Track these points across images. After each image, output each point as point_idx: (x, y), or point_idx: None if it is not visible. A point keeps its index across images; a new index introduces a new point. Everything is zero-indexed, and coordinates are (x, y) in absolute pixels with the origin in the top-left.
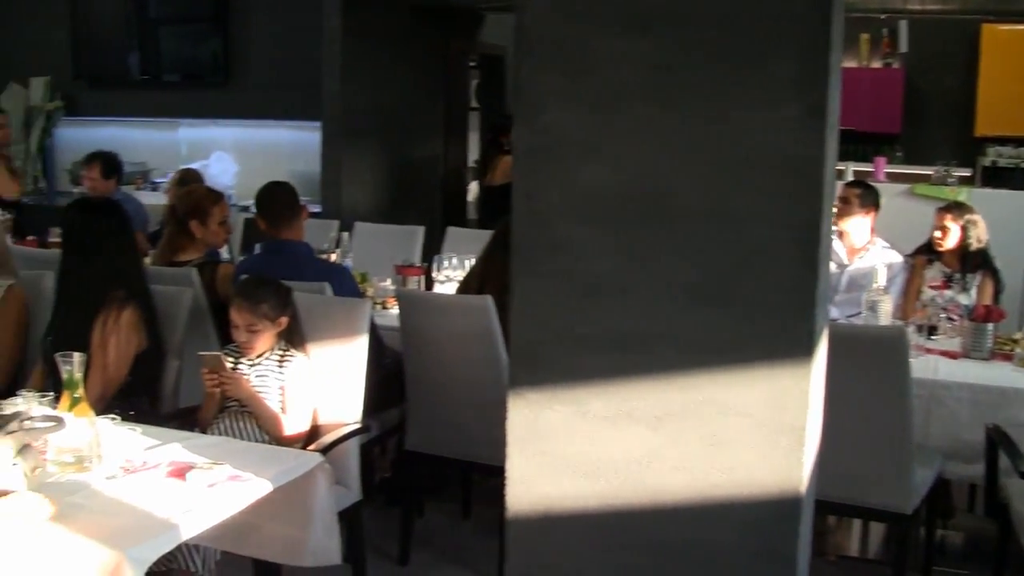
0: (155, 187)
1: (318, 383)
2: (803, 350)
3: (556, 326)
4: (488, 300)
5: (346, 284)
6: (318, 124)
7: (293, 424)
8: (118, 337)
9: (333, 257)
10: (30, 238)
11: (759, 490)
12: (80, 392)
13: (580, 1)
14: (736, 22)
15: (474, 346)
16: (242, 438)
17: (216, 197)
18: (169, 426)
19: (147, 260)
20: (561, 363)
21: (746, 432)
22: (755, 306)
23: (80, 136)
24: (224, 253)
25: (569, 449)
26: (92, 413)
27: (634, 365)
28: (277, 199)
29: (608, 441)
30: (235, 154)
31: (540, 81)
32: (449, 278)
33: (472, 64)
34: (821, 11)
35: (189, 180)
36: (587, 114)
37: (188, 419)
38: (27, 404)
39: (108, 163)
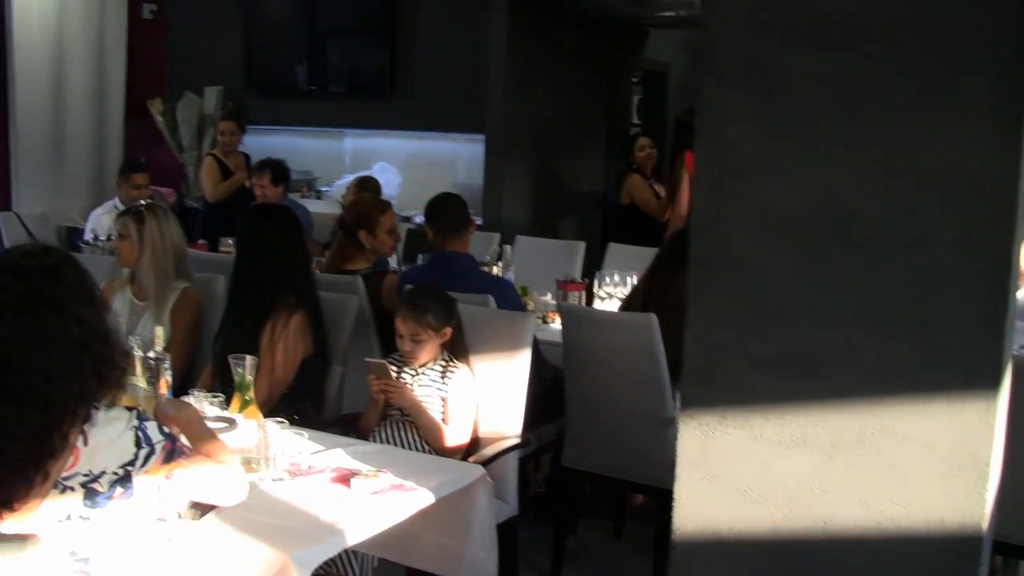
0: (319, 195)
1: (480, 395)
2: (989, 381)
3: (731, 346)
4: (652, 318)
5: (509, 297)
6: (481, 137)
7: (454, 435)
8: (286, 342)
9: (495, 270)
10: (200, 242)
11: (938, 526)
12: (251, 395)
13: (766, 17)
14: (928, 37)
15: (636, 364)
16: (403, 447)
17: (383, 206)
18: (331, 432)
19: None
20: (735, 384)
21: (926, 464)
22: (941, 334)
23: (249, 144)
24: (392, 263)
25: (740, 473)
26: (261, 416)
27: (810, 389)
28: (448, 210)
29: (780, 466)
30: (398, 165)
31: (723, 97)
32: (610, 295)
33: (635, 80)
34: (1021, 25)
35: (367, 187)
36: (771, 131)
37: (350, 426)
38: (199, 404)
39: (277, 170)
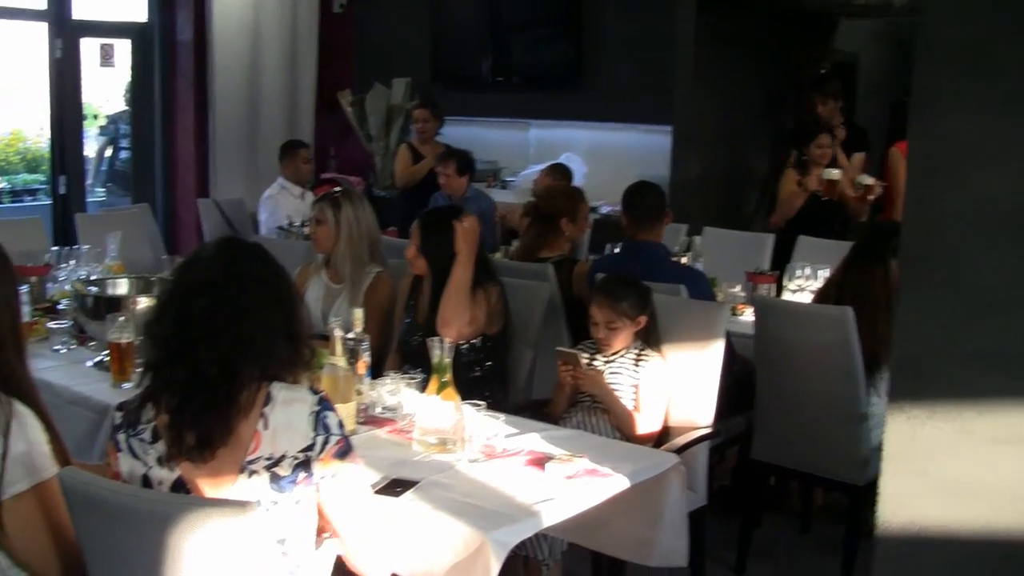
0: (504, 185)
1: (672, 384)
2: None
3: (943, 339)
4: (848, 311)
5: (701, 287)
6: (667, 128)
7: (646, 423)
8: (488, 305)
9: (684, 260)
10: (391, 229)
11: None
12: (448, 376)
13: (988, 3)
14: None
15: (830, 357)
16: (594, 433)
17: (580, 194)
18: (522, 416)
19: (497, 255)
20: (946, 378)
21: None
22: None
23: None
24: (582, 251)
25: (949, 469)
26: (458, 398)
27: None
28: (645, 200)
29: (992, 465)
30: (584, 156)
31: (939, 85)
32: (801, 287)
33: (823, 71)
34: None
35: (561, 174)
36: (990, 120)
37: (538, 411)
38: (395, 385)
39: (462, 161)
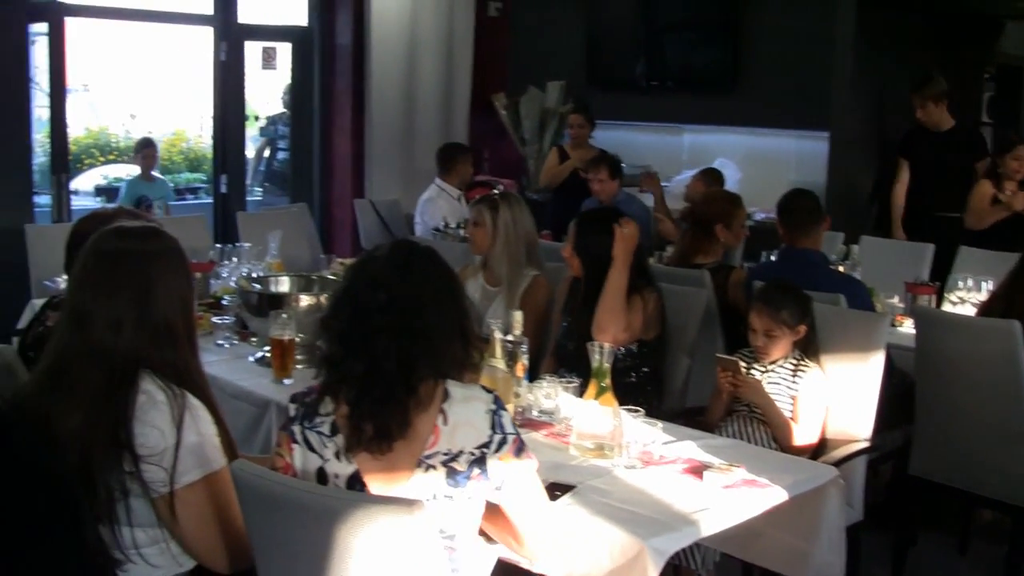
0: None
1: (830, 396)
2: None
3: None
4: (1015, 324)
5: (861, 297)
6: (823, 134)
7: (803, 434)
8: (645, 313)
9: (841, 269)
10: (545, 232)
11: None
12: (607, 381)
13: None
14: None
15: (995, 372)
16: (750, 442)
17: (738, 200)
18: (676, 423)
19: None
20: None
21: None
22: None
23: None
24: (736, 258)
25: None
26: (616, 403)
27: None
28: (801, 206)
29: None
30: (737, 161)
31: None
32: (963, 299)
33: (987, 76)
34: None
35: (713, 179)
36: None
37: (692, 419)
38: (552, 389)
39: (613, 165)
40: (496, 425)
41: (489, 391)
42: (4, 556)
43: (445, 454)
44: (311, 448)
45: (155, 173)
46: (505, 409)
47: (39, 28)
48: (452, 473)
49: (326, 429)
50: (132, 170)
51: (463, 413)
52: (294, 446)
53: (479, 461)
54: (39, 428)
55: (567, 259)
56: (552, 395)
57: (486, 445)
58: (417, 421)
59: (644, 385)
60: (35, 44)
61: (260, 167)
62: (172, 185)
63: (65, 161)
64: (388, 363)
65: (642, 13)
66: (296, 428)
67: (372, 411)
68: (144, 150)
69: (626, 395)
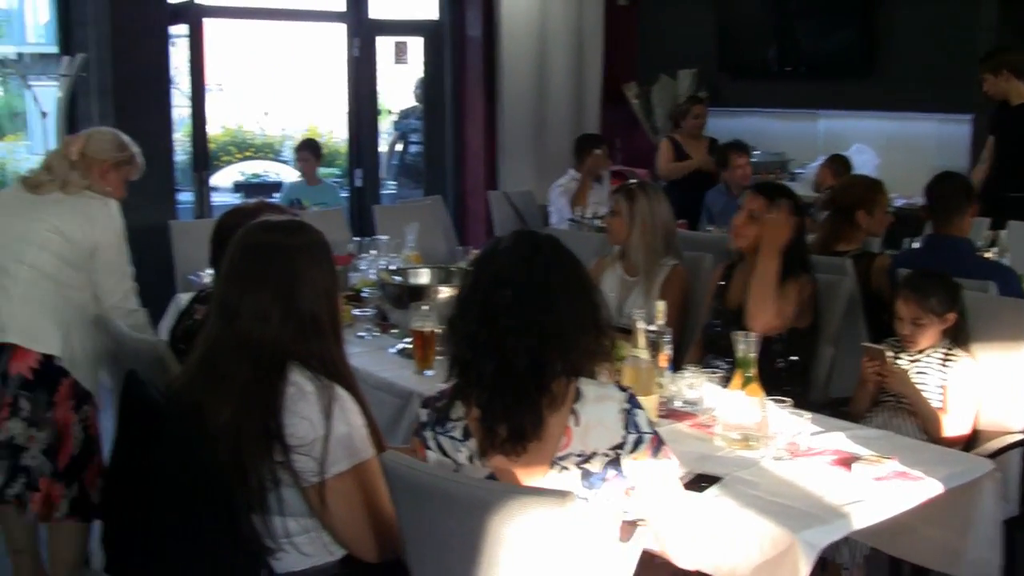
0: (793, 177)
1: (982, 385)
2: None
3: None
4: None
5: (1012, 285)
6: (966, 116)
7: (954, 426)
8: (801, 302)
9: (988, 255)
10: (680, 221)
11: None
12: (753, 371)
13: None
14: None
15: None
16: (898, 433)
17: (879, 186)
18: (821, 414)
19: None
20: None
21: None
22: None
23: (722, 125)
24: (875, 245)
25: None
26: (763, 393)
27: None
28: (948, 191)
29: None
30: (876, 146)
31: None
32: None
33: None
34: None
35: (840, 167)
36: None
37: (837, 409)
38: (695, 379)
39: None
40: (630, 424)
41: (624, 389)
42: (162, 544)
43: (579, 455)
44: (444, 453)
45: (320, 177)
46: (641, 407)
47: (177, 30)
48: (587, 475)
49: (458, 433)
50: (267, 166)
51: (595, 413)
52: (427, 452)
53: (614, 462)
54: (193, 420)
55: (739, 229)
56: (696, 385)
57: (620, 446)
58: (550, 420)
59: (790, 373)
60: (174, 46)
61: (393, 161)
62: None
63: (205, 158)
64: (519, 362)
65: None
66: (428, 434)
67: (505, 412)
68: (300, 153)
69: (772, 381)
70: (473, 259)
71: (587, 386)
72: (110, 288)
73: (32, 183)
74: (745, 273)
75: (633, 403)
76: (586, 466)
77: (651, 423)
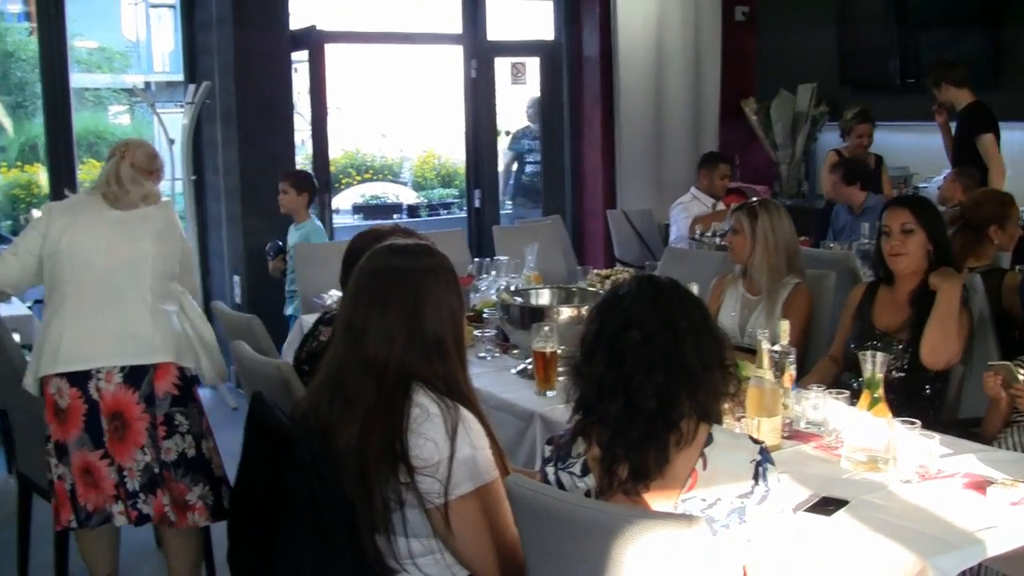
0: (916, 191)
1: None
2: None
3: None
4: None
5: None
6: None
7: None
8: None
9: None
10: (803, 238)
11: None
12: (880, 392)
13: None
14: None
15: None
16: None
17: (1010, 199)
18: (951, 435)
19: None
20: None
21: None
22: None
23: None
24: (1004, 260)
25: None
26: (890, 414)
27: None
28: None
29: None
30: (1006, 158)
31: None
32: None
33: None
34: None
35: (969, 180)
36: None
37: (966, 430)
38: (820, 399)
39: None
40: (760, 476)
41: (757, 442)
42: (286, 565)
43: (703, 500)
44: (563, 488)
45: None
46: (773, 463)
47: (299, 56)
48: (710, 521)
49: (577, 469)
50: (386, 188)
51: (724, 460)
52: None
53: (739, 511)
54: (319, 440)
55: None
56: (820, 406)
57: (747, 495)
58: (676, 460)
59: (926, 396)
60: (295, 71)
61: (509, 181)
62: (426, 201)
63: (327, 181)
64: (647, 401)
65: (894, 9)
66: (549, 469)
67: (628, 451)
68: (280, 184)
69: (903, 405)
70: (594, 306)
71: (720, 433)
72: (190, 285)
73: (111, 196)
74: (893, 293)
75: (765, 456)
76: (710, 512)
77: (779, 480)
